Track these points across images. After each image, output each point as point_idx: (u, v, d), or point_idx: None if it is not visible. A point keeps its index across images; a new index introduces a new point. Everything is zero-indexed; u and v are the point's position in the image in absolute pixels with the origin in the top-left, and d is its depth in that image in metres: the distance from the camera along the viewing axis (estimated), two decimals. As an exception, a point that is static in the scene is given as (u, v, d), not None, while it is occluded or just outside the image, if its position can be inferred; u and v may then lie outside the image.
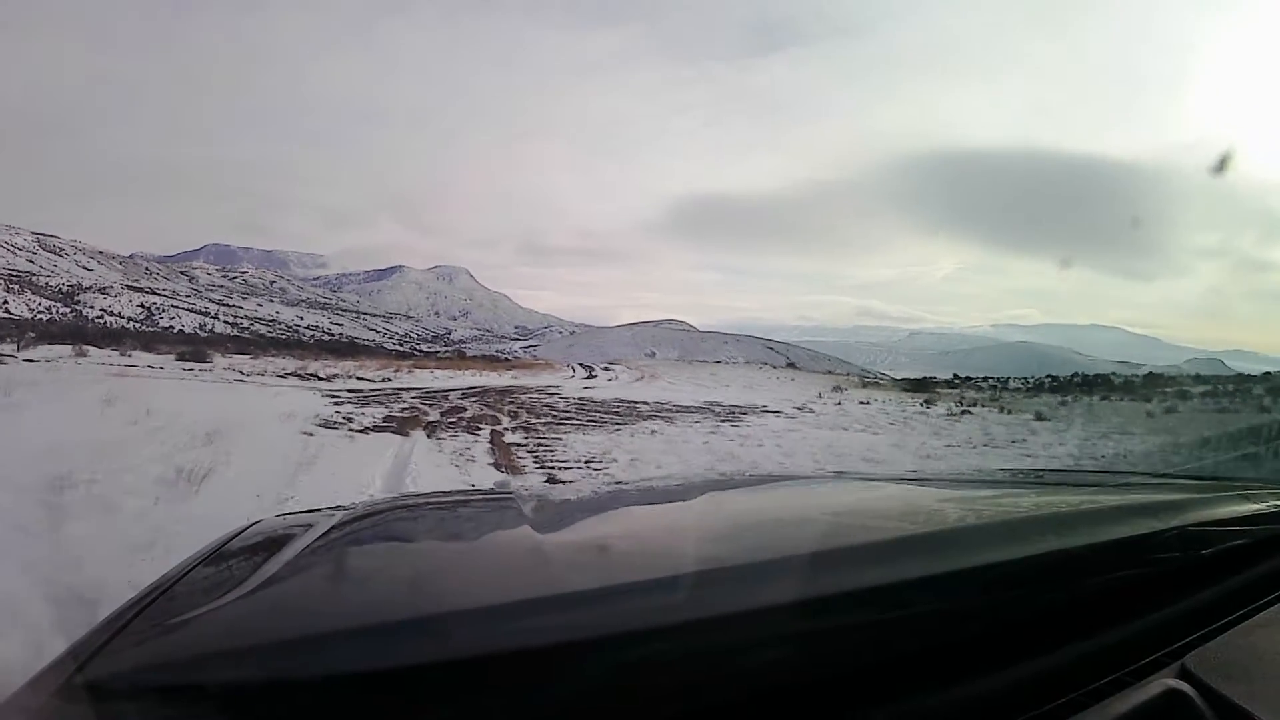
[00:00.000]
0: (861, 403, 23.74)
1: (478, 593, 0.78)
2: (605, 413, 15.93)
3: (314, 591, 0.85)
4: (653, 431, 12.00)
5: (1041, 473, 2.37)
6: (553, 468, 8.09)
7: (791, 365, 75.78)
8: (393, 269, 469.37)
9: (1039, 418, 18.03)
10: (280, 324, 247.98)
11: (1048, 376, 54.10)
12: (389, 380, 24.94)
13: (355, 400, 15.42)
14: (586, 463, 8.40)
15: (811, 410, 19.18)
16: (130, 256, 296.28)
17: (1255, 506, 1.12)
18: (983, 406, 22.97)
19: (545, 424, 12.62)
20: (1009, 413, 20.49)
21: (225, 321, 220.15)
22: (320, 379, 23.32)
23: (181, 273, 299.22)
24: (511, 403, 17.77)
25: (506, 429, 11.59)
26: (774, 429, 13.58)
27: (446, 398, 18.53)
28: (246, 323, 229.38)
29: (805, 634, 0.66)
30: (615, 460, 8.74)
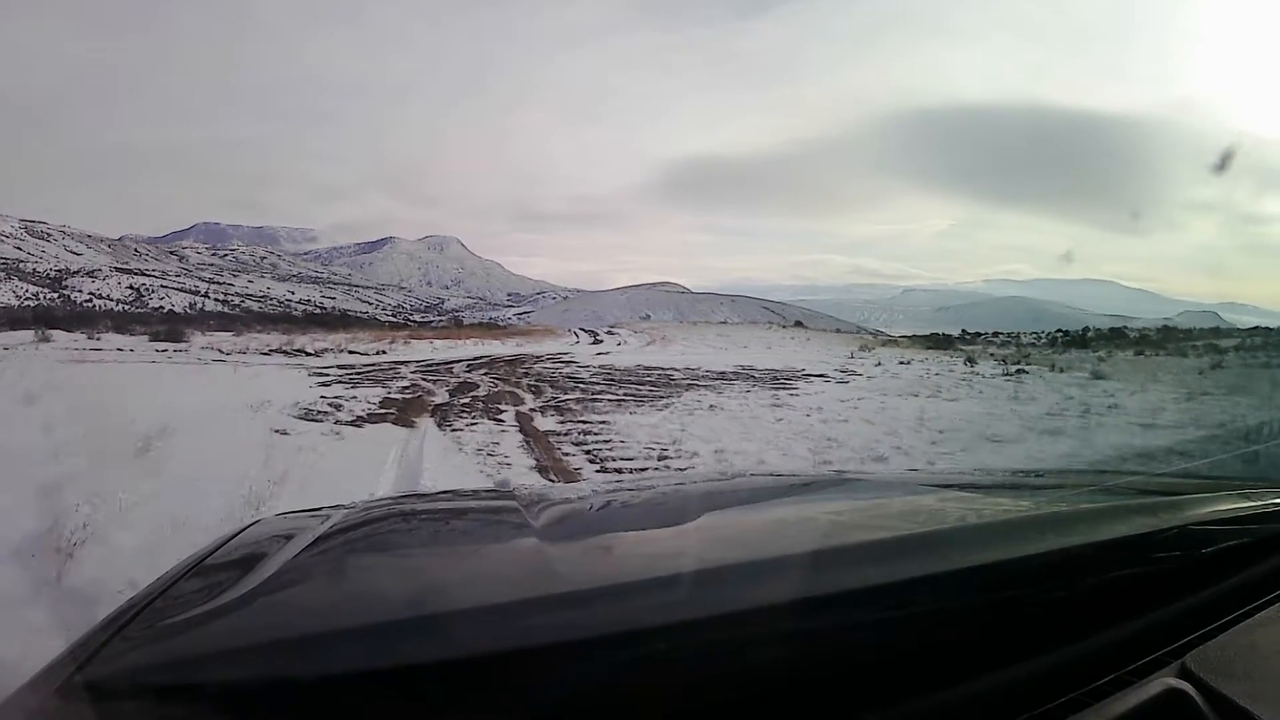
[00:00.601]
0: (901, 363, 21.88)
1: (478, 592, 0.77)
2: (638, 383, 14.51)
3: (314, 591, 0.84)
4: (711, 406, 10.48)
5: (1041, 473, 2.34)
6: (618, 469, 6.30)
7: (799, 324, 73.54)
8: (383, 240, 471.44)
9: (1097, 376, 16.25)
10: (271, 299, 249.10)
11: (1059, 331, 52.29)
12: (384, 353, 22.83)
13: (346, 380, 13.65)
14: (659, 458, 6.66)
15: (856, 373, 17.49)
16: (120, 239, 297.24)
17: (1255, 506, 1.10)
18: (1032, 364, 20.88)
19: (577, 401, 11.10)
20: (1062, 370, 18.56)
21: (215, 299, 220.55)
22: (308, 354, 21.20)
23: (171, 253, 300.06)
24: (527, 374, 15.76)
25: (534, 410, 10.02)
26: (836, 396, 12.17)
27: (452, 371, 16.61)
28: (237, 300, 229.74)
29: (805, 633, 0.66)
30: (693, 453, 6.94)
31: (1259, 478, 2.26)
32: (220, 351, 21.53)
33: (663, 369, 17.89)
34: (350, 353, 22.68)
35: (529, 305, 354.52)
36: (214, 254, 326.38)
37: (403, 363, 18.88)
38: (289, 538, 0.97)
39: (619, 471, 6.19)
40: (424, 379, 14.28)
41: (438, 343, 28.70)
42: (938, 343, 38.35)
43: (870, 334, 58.07)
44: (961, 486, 1.65)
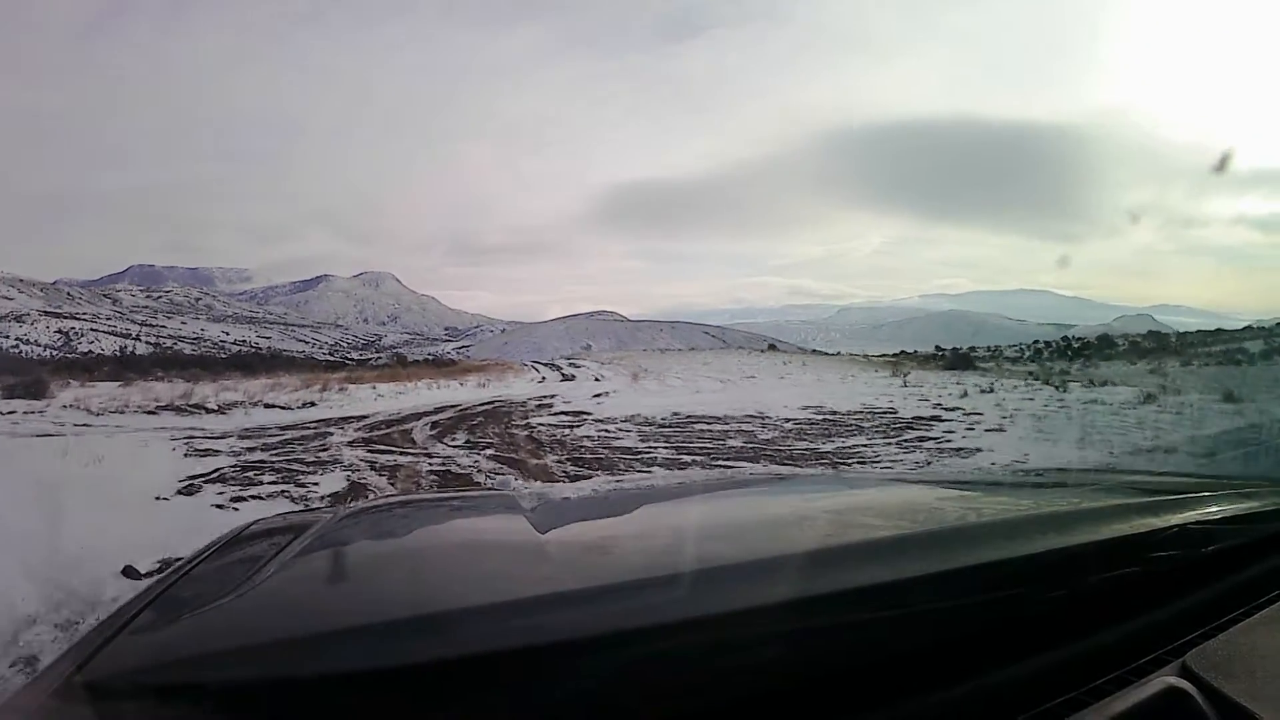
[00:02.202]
0: (983, 391, 17.88)
1: (477, 591, 0.79)
2: (713, 447, 9.99)
3: (314, 591, 0.85)
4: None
5: (1041, 472, 2.36)
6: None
7: (773, 348, 69.77)
8: (319, 278, 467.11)
9: (1148, 399, 13.84)
10: (205, 340, 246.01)
11: (1045, 344, 49.43)
12: (313, 405, 17.20)
13: (238, 462, 8.86)
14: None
15: (978, 411, 13.53)
16: (54, 283, 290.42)
17: (1255, 505, 1.13)
18: (1072, 381, 19.38)
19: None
20: (1094, 384, 17.72)
21: (147, 342, 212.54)
22: (209, 410, 15.29)
23: (105, 295, 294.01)
24: (532, 440, 10.53)
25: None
26: (1017, 451, 8.87)
27: (410, 437, 11.16)
28: (170, 342, 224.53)
29: (805, 633, 0.67)
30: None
31: (1259, 478, 2.20)
32: (88, 411, 15.61)
33: (718, 417, 13.45)
34: (268, 406, 17.08)
35: (467, 339, 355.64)
36: (148, 296, 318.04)
37: (338, 422, 13.71)
38: (289, 538, 0.98)
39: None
40: (370, 454, 9.16)
41: (381, 387, 22.40)
42: (952, 362, 34.51)
43: (860, 356, 54.13)
44: (961, 486, 1.67)
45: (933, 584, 0.75)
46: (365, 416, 14.62)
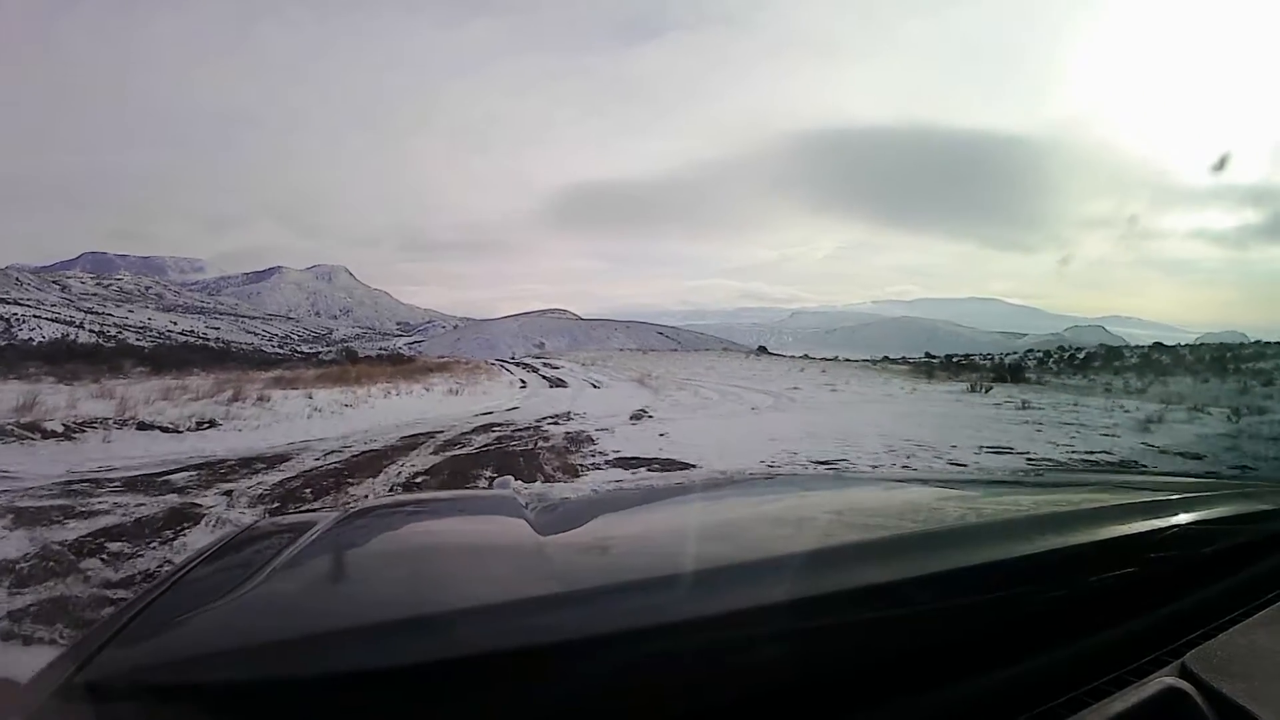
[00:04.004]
0: (1023, 405, 15.20)
1: (477, 592, 0.79)
2: None
3: (314, 591, 0.85)
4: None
5: (1041, 472, 2.30)
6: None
7: (763, 350, 64.43)
8: (271, 270, 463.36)
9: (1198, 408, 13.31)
10: (152, 331, 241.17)
11: (1045, 354, 46.27)
12: (214, 425, 11.35)
13: None
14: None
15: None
16: (4, 269, 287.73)
17: (1255, 506, 1.13)
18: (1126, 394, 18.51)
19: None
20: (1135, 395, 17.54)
21: (91, 330, 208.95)
22: (45, 435, 8.97)
23: (54, 282, 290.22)
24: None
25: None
26: None
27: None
28: (114, 331, 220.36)
29: (805, 633, 0.68)
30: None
31: (1259, 478, 2.19)
32: None
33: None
34: (143, 426, 11.01)
35: (419, 334, 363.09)
36: (99, 284, 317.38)
37: (230, 471, 7.55)
38: (289, 538, 0.97)
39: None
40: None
41: (321, 396, 15.29)
42: (933, 369, 32.92)
43: (864, 361, 49.25)
44: (961, 486, 1.66)
45: (933, 584, 0.75)
46: (281, 460, 8.58)
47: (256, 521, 1.16)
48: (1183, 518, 0.99)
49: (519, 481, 1.93)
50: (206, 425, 11.41)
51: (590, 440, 10.51)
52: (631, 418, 13.31)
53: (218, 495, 6.56)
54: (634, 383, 24.97)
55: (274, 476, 7.50)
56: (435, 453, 9.36)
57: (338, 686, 0.59)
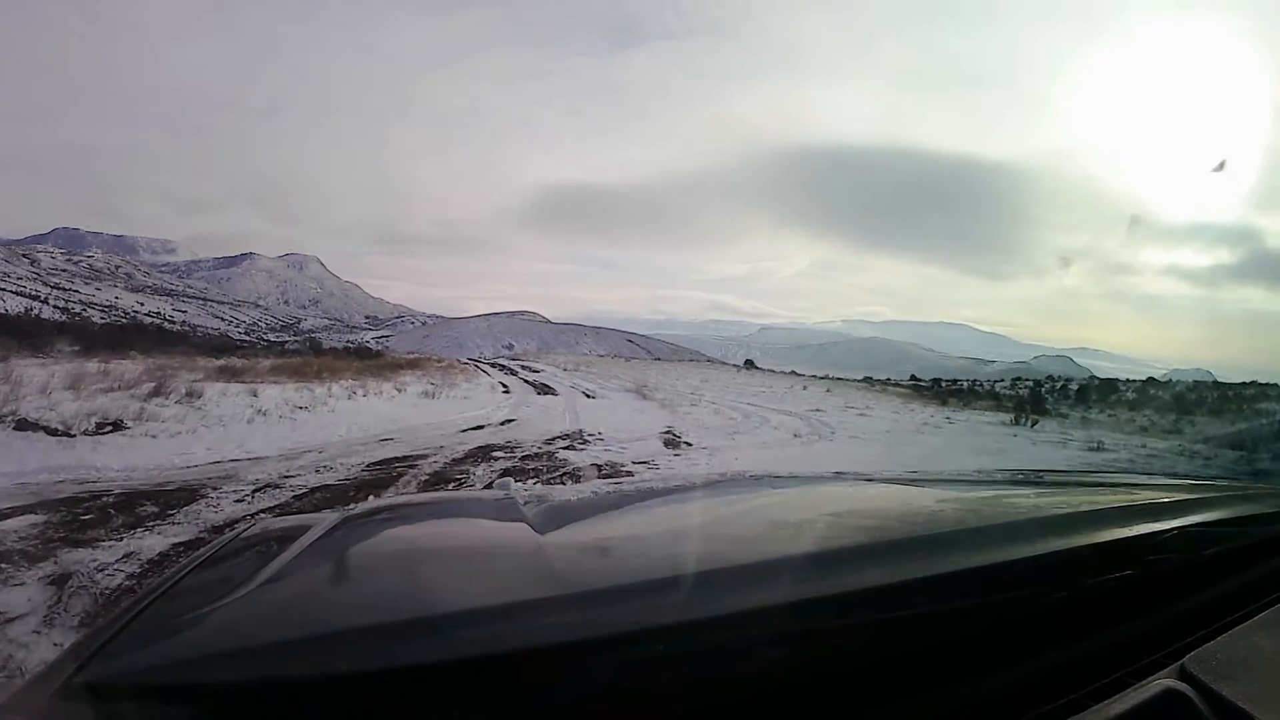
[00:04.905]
0: (1098, 446, 12.33)
1: (477, 593, 0.79)
2: None
3: (314, 592, 0.85)
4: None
5: (1041, 473, 2.10)
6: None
7: (750, 364, 62.01)
8: (243, 256, 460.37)
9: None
10: (117, 310, 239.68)
11: (1036, 383, 44.04)
12: (119, 427, 8.08)
13: None
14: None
15: None
16: None
17: (1255, 507, 1.14)
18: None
19: None
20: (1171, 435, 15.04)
21: (55, 306, 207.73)
22: None
23: (24, 255, 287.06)
24: None
25: None
26: None
27: None
28: (78, 308, 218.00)
29: (805, 634, 0.69)
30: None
31: (1259, 479, 2.07)
32: None
33: None
34: (21, 426, 8.17)
35: (387, 329, 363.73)
36: (69, 260, 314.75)
37: (108, 517, 4.76)
38: (289, 539, 0.97)
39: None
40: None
41: (269, 392, 12.21)
42: (944, 396, 30.06)
43: (865, 381, 46.89)
44: (961, 486, 1.63)
45: (932, 586, 0.76)
46: (185, 498, 5.40)
47: (256, 523, 1.15)
48: (1182, 520, 0.99)
49: (518, 484, 1.74)
50: (109, 428, 8.49)
51: (624, 474, 7.47)
52: (666, 444, 10.23)
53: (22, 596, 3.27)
54: (632, 394, 22.04)
55: (151, 541, 4.21)
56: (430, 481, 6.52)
57: (338, 687, 0.59)
